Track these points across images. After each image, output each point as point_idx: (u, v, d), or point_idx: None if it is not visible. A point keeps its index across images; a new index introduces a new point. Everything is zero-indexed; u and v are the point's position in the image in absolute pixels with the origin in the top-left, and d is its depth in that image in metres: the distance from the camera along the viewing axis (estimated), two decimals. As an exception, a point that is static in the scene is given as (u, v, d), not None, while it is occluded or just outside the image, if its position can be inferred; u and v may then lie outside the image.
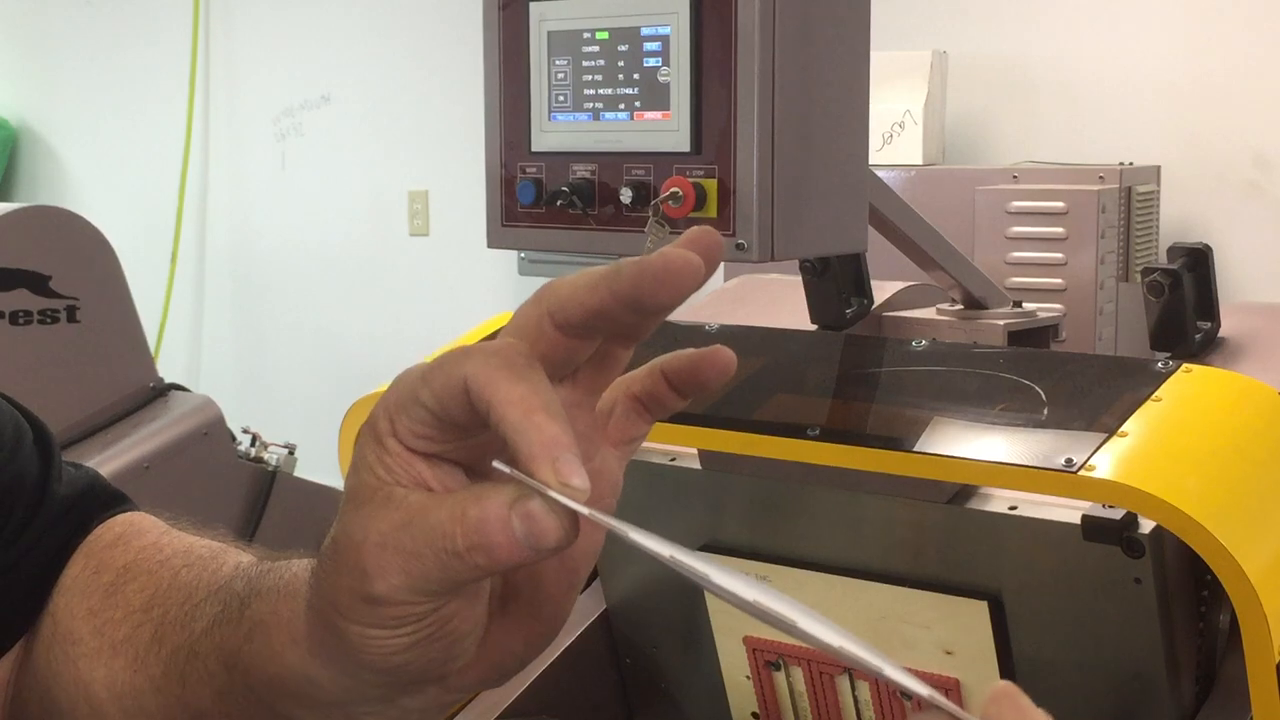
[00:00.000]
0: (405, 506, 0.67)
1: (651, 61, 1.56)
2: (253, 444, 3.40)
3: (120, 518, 0.99)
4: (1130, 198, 3.08)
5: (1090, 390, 1.62)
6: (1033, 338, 1.95)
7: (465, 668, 0.72)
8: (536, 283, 3.98)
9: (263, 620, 0.77)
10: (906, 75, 3.80)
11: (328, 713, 0.76)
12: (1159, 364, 1.64)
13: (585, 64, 1.61)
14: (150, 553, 0.94)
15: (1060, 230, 2.88)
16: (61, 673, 0.92)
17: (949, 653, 1.78)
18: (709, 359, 0.71)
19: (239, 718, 0.81)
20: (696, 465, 1.93)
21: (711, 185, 1.54)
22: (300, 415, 4.53)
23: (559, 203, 1.63)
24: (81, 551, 0.96)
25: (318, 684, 0.73)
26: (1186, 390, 1.60)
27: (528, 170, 1.67)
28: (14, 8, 6.78)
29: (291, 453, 3.43)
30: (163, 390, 3.32)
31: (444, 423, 0.67)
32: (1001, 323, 1.93)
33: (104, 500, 1.00)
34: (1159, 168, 3.40)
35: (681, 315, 2.29)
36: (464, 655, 0.71)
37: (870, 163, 1.68)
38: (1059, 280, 2.81)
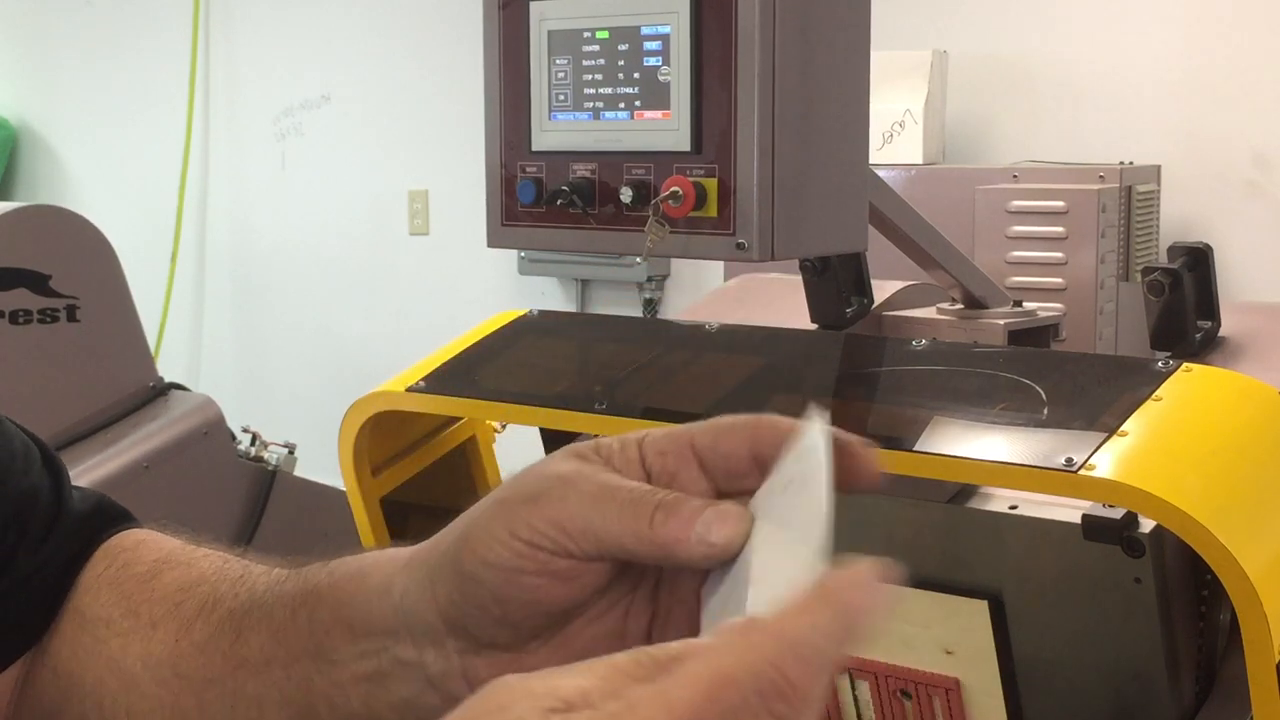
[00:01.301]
0: (617, 479, 0.73)
1: (652, 61, 1.57)
2: (253, 443, 3.40)
3: (134, 530, 1.02)
4: (1130, 197, 3.08)
5: (1090, 390, 1.62)
6: (1033, 337, 1.95)
7: (536, 654, 0.74)
8: (536, 282, 3.97)
9: (358, 563, 0.83)
10: (907, 75, 3.80)
11: (378, 648, 0.79)
12: (1159, 363, 1.64)
13: (585, 63, 1.61)
14: (182, 553, 0.97)
15: (1060, 229, 2.88)
16: (90, 656, 0.95)
17: (949, 652, 1.78)
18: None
19: (281, 663, 0.85)
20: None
21: (712, 185, 1.54)
22: (300, 415, 4.53)
23: (559, 202, 1.63)
24: (102, 554, 0.99)
25: (391, 596, 0.78)
26: (1187, 390, 1.60)
27: (528, 169, 1.67)
28: (14, 7, 6.78)
29: (291, 452, 3.44)
30: (163, 390, 3.33)
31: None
32: (1002, 322, 1.93)
33: (114, 516, 1.02)
34: (1159, 167, 3.41)
35: (682, 315, 2.29)
36: (544, 638, 0.74)
37: (870, 162, 1.68)
38: (1059, 279, 2.81)
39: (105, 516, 1.02)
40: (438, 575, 0.76)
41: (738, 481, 0.75)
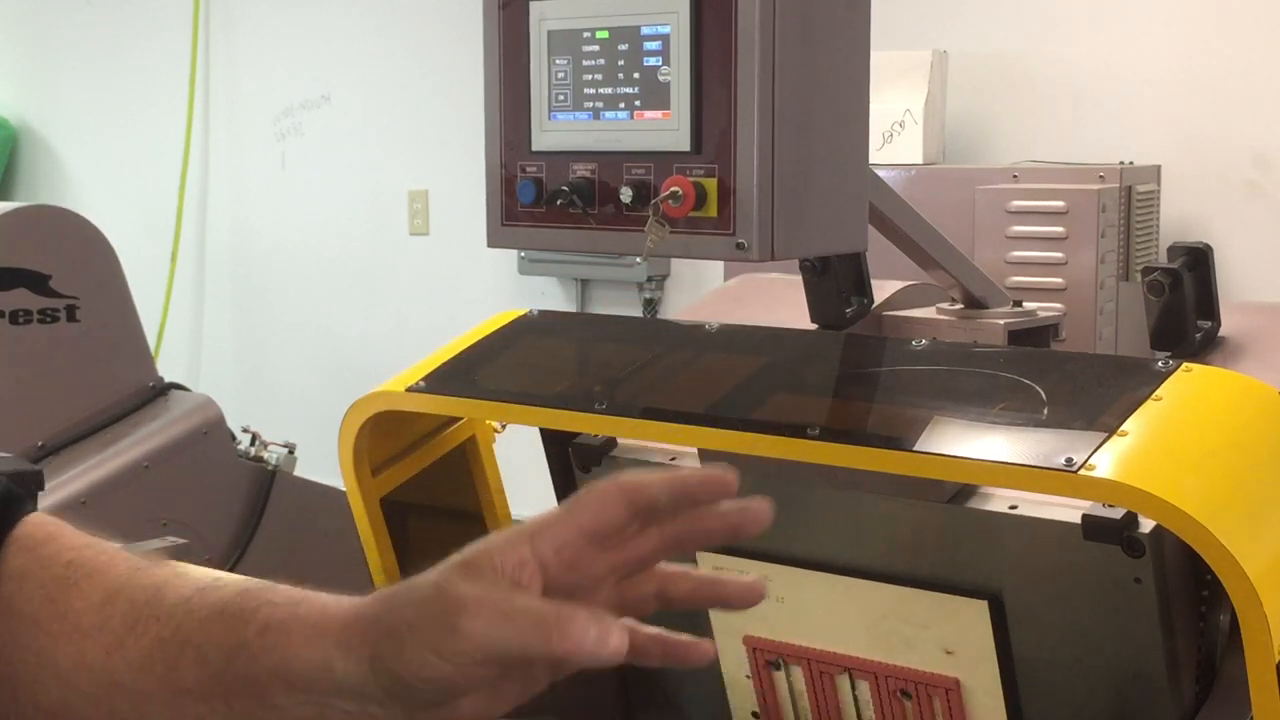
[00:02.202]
0: (519, 600, 0.87)
1: (651, 61, 1.57)
2: (253, 443, 3.40)
3: (38, 519, 1.07)
4: (1130, 197, 3.09)
5: (1090, 389, 1.62)
6: (1033, 337, 1.95)
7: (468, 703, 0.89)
8: (536, 282, 3.97)
9: (282, 621, 0.92)
10: (907, 74, 3.80)
11: (318, 701, 0.90)
12: (1159, 363, 1.64)
13: (585, 63, 1.61)
14: (90, 554, 1.03)
15: (1060, 229, 2.88)
16: (19, 650, 1.01)
17: (949, 652, 1.78)
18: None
19: (222, 697, 0.94)
20: (696, 465, 1.92)
21: (711, 184, 1.54)
22: (300, 415, 4.53)
23: (559, 202, 1.63)
24: (16, 547, 1.04)
25: (332, 673, 0.89)
26: (1187, 390, 1.60)
27: (528, 169, 1.67)
28: (14, 8, 6.78)
29: (291, 452, 3.44)
30: (163, 389, 3.33)
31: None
32: (1001, 322, 1.93)
33: (12, 498, 1.06)
34: (1159, 167, 3.41)
35: (682, 315, 2.29)
36: (465, 707, 0.89)
37: (870, 162, 1.68)
38: (1059, 279, 2.81)
39: (7, 500, 1.05)
40: (378, 671, 0.88)
41: (629, 538, 0.93)
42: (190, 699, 0.95)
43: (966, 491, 1.73)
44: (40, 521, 1.06)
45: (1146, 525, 1.60)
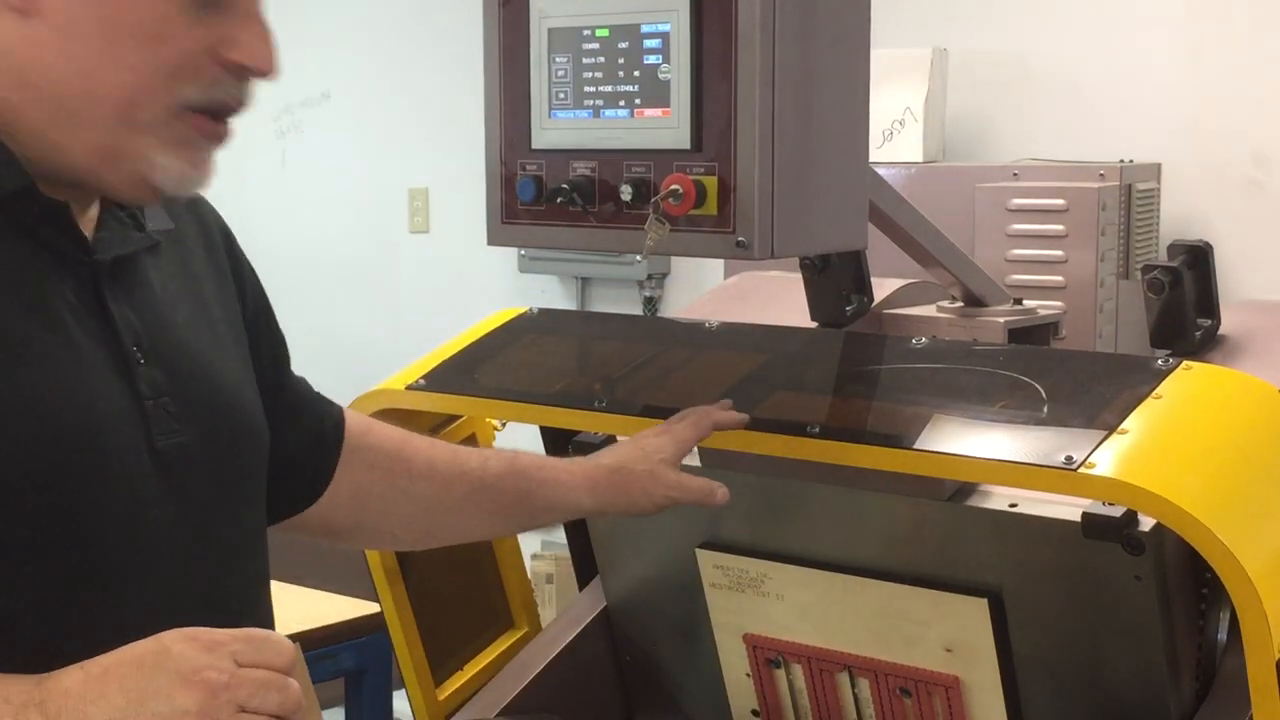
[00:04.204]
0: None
1: (652, 59, 1.56)
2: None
3: (350, 413, 1.67)
4: (1130, 195, 3.08)
5: (1090, 387, 1.62)
6: (1033, 335, 1.95)
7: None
8: (536, 280, 3.97)
9: (556, 476, 1.69)
10: (907, 72, 3.80)
11: (556, 516, 1.76)
12: (1159, 361, 1.64)
13: (585, 61, 1.61)
14: (398, 432, 1.70)
15: (1060, 228, 2.88)
16: (380, 490, 1.64)
17: (949, 650, 1.79)
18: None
19: (504, 517, 1.73)
20: (696, 462, 1.93)
21: (711, 182, 1.54)
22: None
23: (559, 200, 1.63)
24: (351, 428, 1.64)
25: (580, 506, 1.71)
26: (1187, 388, 1.60)
27: (528, 167, 1.67)
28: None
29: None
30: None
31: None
32: (1002, 320, 1.93)
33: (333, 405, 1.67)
34: (1159, 165, 3.40)
35: (682, 313, 2.29)
36: None
37: (870, 160, 1.68)
38: (1059, 277, 2.81)
39: (329, 402, 1.66)
40: (604, 504, 1.70)
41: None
42: (496, 524, 1.79)
43: (966, 489, 1.73)
44: (354, 415, 1.67)
45: (1147, 523, 1.60)
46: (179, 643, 1.07)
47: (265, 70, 1.25)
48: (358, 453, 1.62)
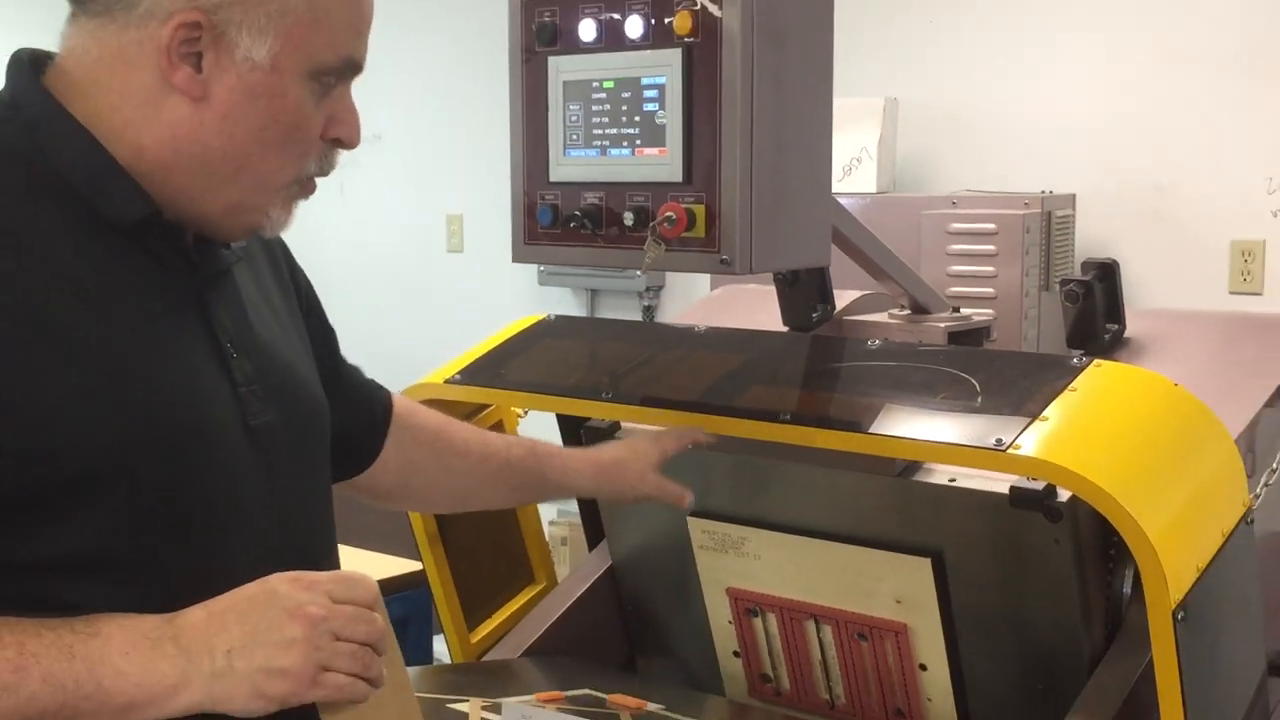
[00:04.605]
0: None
1: (650, 106, 1.56)
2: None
3: (398, 396, 1.70)
4: (1050, 220, 3.07)
5: (1016, 382, 1.62)
6: (968, 338, 1.94)
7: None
8: (553, 292, 3.96)
9: (565, 464, 1.75)
10: (863, 118, 3.80)
11: (563, 494, 1.79)
12: (1074, 360, 1.64)
13: (594, 108, 1.61)
14: (436, 415, 1.71)
15: (991, 248, 2.88)
16: (425, 461, 1.67)
17: (898, 601, 1.78)
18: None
19: (523, 491, 1.80)
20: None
21: (700, 210, 1.53)
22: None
23: (572, 224, 1.63)
24: (398, 408, 1.65)
25: (582, 489, 1.80)
26: (1097, 382, 1.60)
27: (546, 197, 1.67)
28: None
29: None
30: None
31: None
32: (942, 325, 1.92)
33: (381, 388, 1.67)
34: (1074, 195, 3.39)
35: (675, 319, 2.29)
36: None
37: (833, 191, 1.68)
38: (990, 290, 2.80)
39: (379, 386, 1.67)
40: (604, 486, 1.77)
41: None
42: (515, 496, 1.84)
43: (913, 467, 1.73)
44: (401, 399, 1.68)
45: (1064, 495, 1.60)
46: (284, 584, 1.12)
47: (355, 144, 1.29)
48: (406, 430, 1.64)
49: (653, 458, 1.74)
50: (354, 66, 1.26)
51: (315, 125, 1.24)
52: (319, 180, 1.31)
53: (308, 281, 1.56)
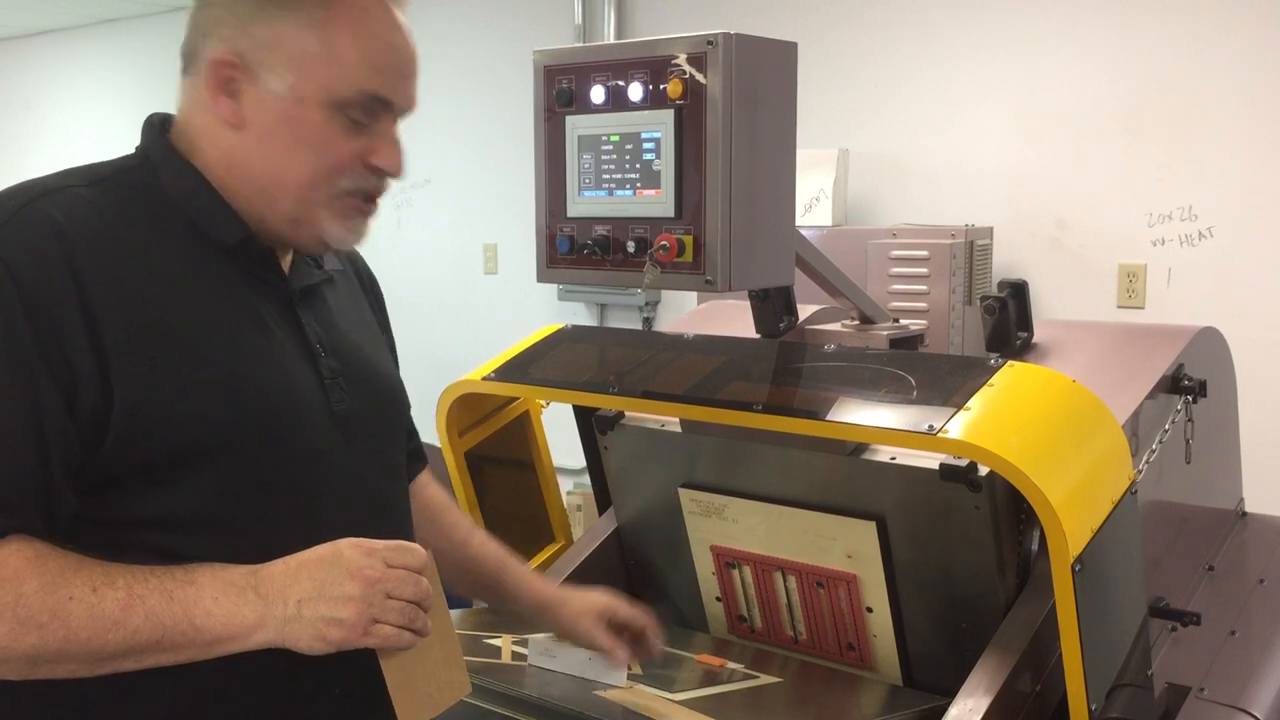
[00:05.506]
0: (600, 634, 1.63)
1: (648, 155, 1.56)
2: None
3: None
4: (972, 248, 3.07)
5: (945, 379, 1.62)
6: (906, 344, 1.94)
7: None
8: (570, 305, 3.95)
9: (518, 585, 1.61)
10: (821, 164, 3.79)
11: (513, 607, 1.61)
12: (992, 361, 1.64)
13: (603, 157, 1.61)
14: (445, 502, 1.62)
15: (925, 270, 2.87)
16: (439, 532, 1.57)
17: (849, 556, 1.78)
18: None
19: (476, 586, 1.61)
20: (678, 429, 1.93)
21: (689, 240, 1.53)
22: (411, 397, 4.52)
23: (585, 251, 1.63)
24: (418, 484, 1.57)
25: (526, 612, 1.61)
26: (1011, 379, 1.60)
27: (564, 229, 1.67)
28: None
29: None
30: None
31: None
32: (885, 333, 1.92)
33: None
34: (992, 227, 3.39)
35: (669, 328, 2.28)
36: None
37: (796, 224, 1.68)
38: (924, 304, 2.80)
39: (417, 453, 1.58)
40: (541, 613, 1.62)
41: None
42: (470, 591, 1.64)
43: (861, 448, 1.73)
44: (422, 474, 1.59)
45: (984, 470, 1.59)
46: (348, 548, 1.12)
47: (396, 173, 1.29)
48: (414, 497, 1.52)
49: (594, 611, 1.60)
50: (380, 101, 1.24)
51: (342, 149, 1.22)
52: (381, 218, 1.32)
53: (383, 300, 1.56)
